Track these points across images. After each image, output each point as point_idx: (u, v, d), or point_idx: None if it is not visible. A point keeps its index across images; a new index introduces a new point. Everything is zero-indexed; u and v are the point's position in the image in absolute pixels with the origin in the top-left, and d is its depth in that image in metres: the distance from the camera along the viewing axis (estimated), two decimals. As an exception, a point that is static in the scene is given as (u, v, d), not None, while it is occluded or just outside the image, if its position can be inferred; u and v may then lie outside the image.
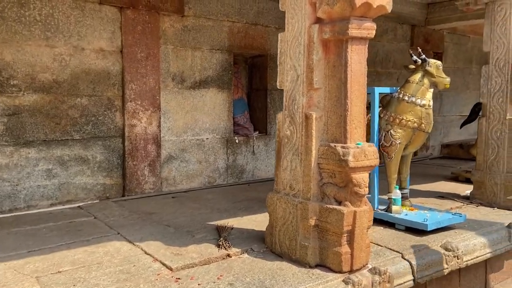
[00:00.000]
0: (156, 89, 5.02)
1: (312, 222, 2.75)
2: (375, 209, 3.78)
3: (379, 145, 3.75)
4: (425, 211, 3.75)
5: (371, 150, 2.70)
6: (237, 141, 5.83)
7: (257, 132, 6.15)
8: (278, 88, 3.02)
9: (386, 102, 3.84)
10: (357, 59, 2.68)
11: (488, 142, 4.66)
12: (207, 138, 5.57)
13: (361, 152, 2.63)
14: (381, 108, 3.83)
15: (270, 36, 6.04)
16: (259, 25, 5.91)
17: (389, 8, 2.67)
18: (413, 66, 3.79)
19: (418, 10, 7.78)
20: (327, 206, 2.72)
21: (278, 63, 2.98)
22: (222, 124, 5.66)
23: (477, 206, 4.55)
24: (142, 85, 4.90)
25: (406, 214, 3.65)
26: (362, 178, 2.64)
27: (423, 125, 3.69)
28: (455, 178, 6.03)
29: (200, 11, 5.36)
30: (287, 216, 2.90)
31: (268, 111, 6.17)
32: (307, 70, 2.75)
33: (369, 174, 2.83)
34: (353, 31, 2.59)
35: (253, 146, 6.02)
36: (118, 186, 4.88)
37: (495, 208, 4.49)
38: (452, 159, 8.16)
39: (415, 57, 3.76)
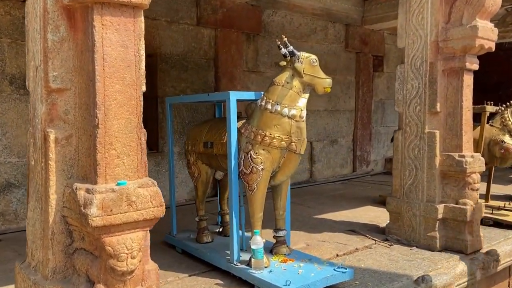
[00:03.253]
0: (-15, 96, 3.84)
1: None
2: (235, 263, 2.70)
3: (238, 172, 2.69)
4: (302, 264, 2.68)
5: (146, 193, 1.61)
6: (113, 160, 4.68)
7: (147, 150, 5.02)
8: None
9: (251, 112, 2.79)
10: (116, 40, 1.60)
11: (404, 162, 3.66)
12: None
13: (118, 198, 1.53)
14: (243, 122, 2.78)
15: (160, 31, 4.95)
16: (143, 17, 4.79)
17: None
18: (285, 63, 2.76)
19: (353, 7, 6.86)
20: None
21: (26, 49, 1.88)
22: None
23: (390, 245, 3.52)
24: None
25: (271, 271, 2.57)
26: (123, 243, 1.55)
27: (293, 144, 2.64)
28: (383, 202, 5.04)
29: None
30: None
31: (159, 124, 5.06)
32: (43, 59, 1.66)
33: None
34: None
35: (139, 166, 4.88)
36: None
37: (414, 247, 3.48)
38: (394, 176, 7.23)
39: (283, 50, 2.72)
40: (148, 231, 1.71)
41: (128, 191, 1.54)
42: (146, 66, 5.41)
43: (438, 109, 3.46)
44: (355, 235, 3.79)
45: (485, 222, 4.20)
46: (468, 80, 3.45)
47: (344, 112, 7.24)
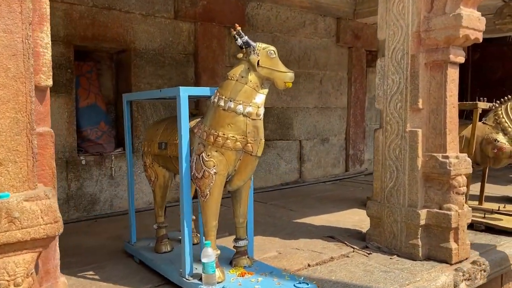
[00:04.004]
0: None
1: None
2: (186, 277, 2.44)
3: (191, 176, 2.43)
4: (260, 278, 2.42)
5: (36, 207, 1.35)
6: (83, 162, 4.45)
7: (121, 149, 4.79)
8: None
9: (206, 110, 2.53)
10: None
11: (385, 163, 3.38)
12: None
13: (-1, 213, 1.28)
14: (198, 120, 2.52)
15: (134, 25, 4.70)
16: (114, 9, 4.56)
17: None
18: (241, 55, 2.49)
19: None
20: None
21: None
22: (57, 140, 4.28)
23: (368, 254, 3.25)
24: None
25: (223, 287, 2.32)
26: (3, 268, 1.29)
27: (249, 145, 2.38)
28: (370, 205, 4.77)
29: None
30: None
31: (135, 122, 4.82)
32: None
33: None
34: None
35: (112, 168, 4.65)
36: None
37: (394, 256, 3.21)
38: (388, 175, 6.93)
39: (239, 40, 2.45)
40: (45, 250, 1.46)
41: (9, 205, 1.29)
42: (118, 61, 5.14)
43: (420, 106, 3.18)
44: (334, 242, 3.52)
45: (477, 227, 3.92)
46: (453, 74, 3.15)
47: (335, 110, 6.94)
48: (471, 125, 4.13)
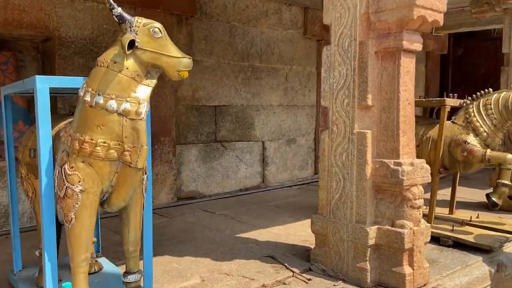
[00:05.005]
0: None
1: None
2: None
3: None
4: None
5: None
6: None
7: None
8: None
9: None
10: None
11: (331, 171, 2.85)
12: None
13: None
14: (66, 123, 1.97)
15: (58, 9, 4.10)
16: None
17: None
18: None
19: (311, -12, 6.04)
20: None
21: None
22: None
23: (308, 280, 2.70)
24: None
25: None
26: None
27: (126, 153, 1.84)
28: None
29: None
30: None
31: (64, 121, 4.23)
32: None
33: None
34: None
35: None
36: None
37: (340, 282, 2.68)
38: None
39: (113, 14, 1.88)
40: None
41: None
42: (44, 52, 4.50)
43: (370, 103, 2.65)
44: (272, 264, 2.99)
45: (443, 241, 3.42)
46: (408, 65, 2.63)
47: (303, 108, 6.41)
48: (438, 125, 3.63)
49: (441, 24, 2.62)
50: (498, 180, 3.37)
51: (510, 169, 3.34)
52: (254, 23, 5.71)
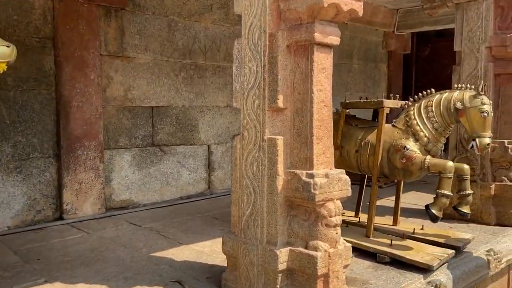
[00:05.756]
0: None
1: None
2: None
3: None
4: None
5: None
6: None
7: None
8: None
9: None
10: None
11: (242, 183, 2.48)
12: None
13: None
14: None
15: None
16: None
17: None
18: None
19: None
20: None
21: None
22: None
23: (209, 311, 2.35)
24: None
25: None
26: None
27: None
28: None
29: None
30: None
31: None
32: None
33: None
34: None
35: None
36: None
37: (248, 312, 2.32)
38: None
39: None
40: None
41: None
42: None
43: (281, 104, 2.29)
44: (177, 290, 2.60)
45: (380, 258, 3.09)
46: (323, 61, 2.27)
47: (254, 109, 6.03)
48: (376, 129, 3.30)
49: (360, 14, 2.27)
50: (437, 190, 3.05)
51: (450, 177, 3.04)
52: (197, 17, 5.30)
